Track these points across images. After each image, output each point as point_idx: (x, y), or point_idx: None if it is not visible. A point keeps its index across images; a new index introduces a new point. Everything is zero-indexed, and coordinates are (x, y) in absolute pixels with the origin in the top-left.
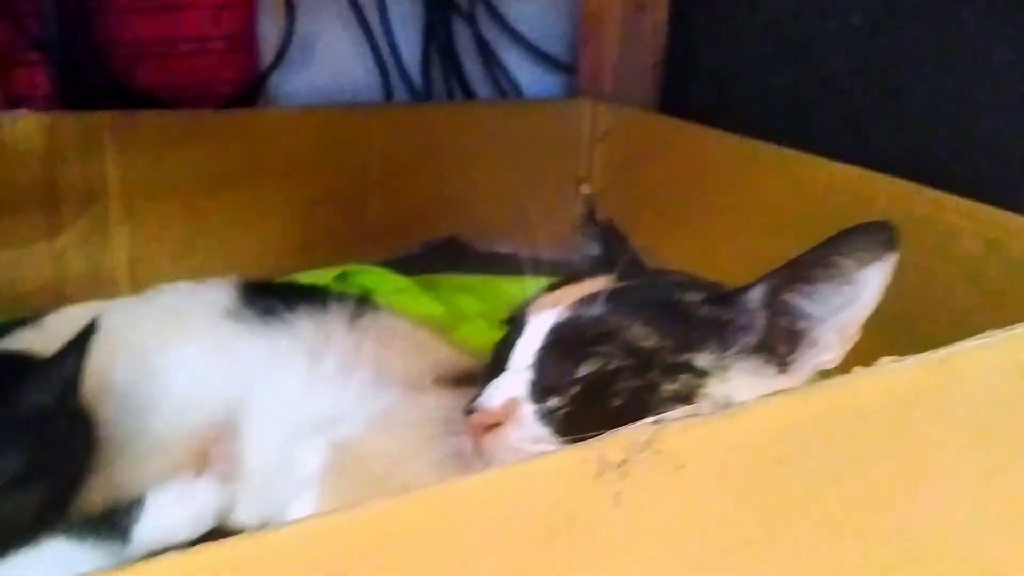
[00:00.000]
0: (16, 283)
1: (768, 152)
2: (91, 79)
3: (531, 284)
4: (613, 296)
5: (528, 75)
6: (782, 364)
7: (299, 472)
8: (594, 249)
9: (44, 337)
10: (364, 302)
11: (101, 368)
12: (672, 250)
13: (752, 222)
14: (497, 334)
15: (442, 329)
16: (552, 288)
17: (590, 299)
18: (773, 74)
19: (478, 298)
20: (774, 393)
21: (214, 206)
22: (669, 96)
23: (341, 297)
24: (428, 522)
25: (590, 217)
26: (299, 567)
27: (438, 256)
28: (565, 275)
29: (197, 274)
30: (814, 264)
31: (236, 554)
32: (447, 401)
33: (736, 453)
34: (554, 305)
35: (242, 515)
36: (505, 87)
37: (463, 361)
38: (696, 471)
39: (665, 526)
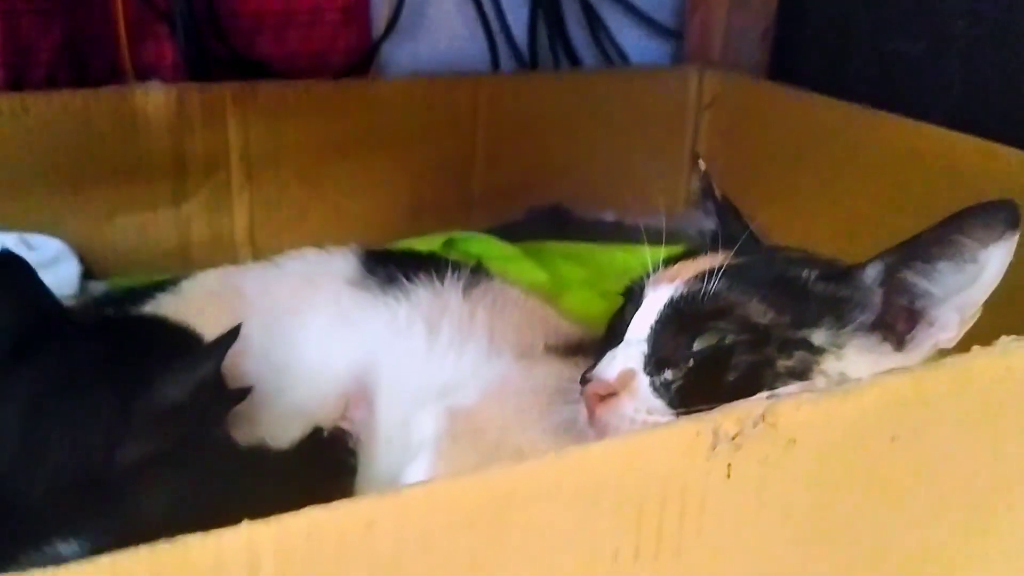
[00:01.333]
0: (144, 247)
1: (885, 122)
2: (213, 50)
3: (636, 253)
4: (730, 272)
5: (635, 42)
6: (899, 342)
7: (414, 436)
8: (710, 223)
9: (182, 303)
10: (477, 272)
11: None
12: (780, 222)
13: (866, 195)
14: (601, 303)
15: (549, 298)
16: (669, 263)
17: (707, 275)
18: (891, 38)
19: (582, 266)
20: (890, 371)
21: (328, 174)
22: (778, 62)
23: (456, 267)
24: (545, 488)
25: (708, 191)
26: (425, 528)
27: (542, 223)
28: (682, 250)
29: (312, 239)
30: (934, 243)
31: (369, 512)
32: (559, 370)
33: (849, 430)
34: (671, 280)
35: (370, 477)
36: (611, 54)
37: (573, 331)
38: (808, 446)
39: (774, 499)
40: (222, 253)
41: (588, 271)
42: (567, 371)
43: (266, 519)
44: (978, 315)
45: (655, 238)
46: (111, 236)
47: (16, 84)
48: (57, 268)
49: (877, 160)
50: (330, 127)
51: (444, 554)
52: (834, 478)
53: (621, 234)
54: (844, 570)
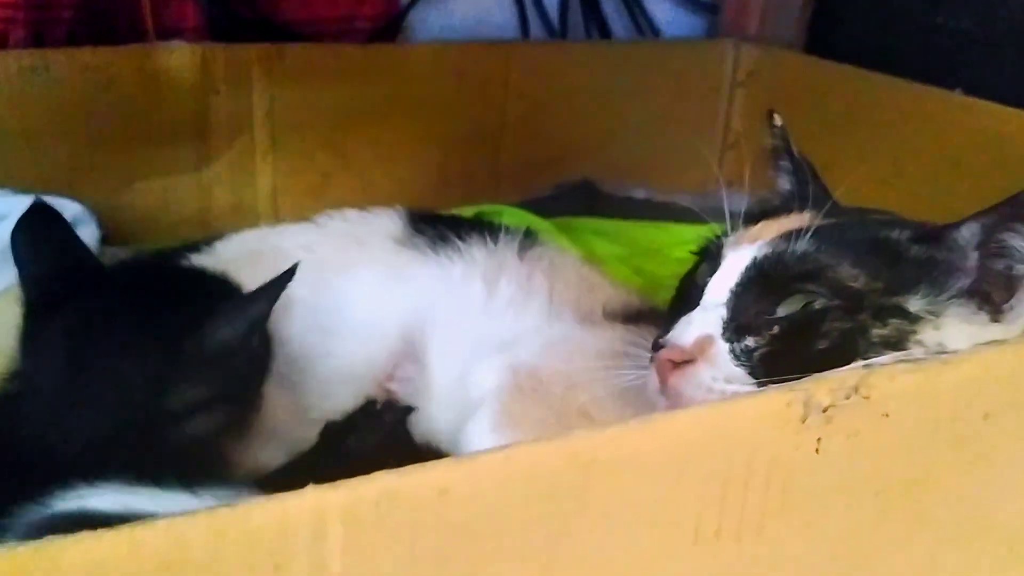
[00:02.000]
0: (164, 213)
1: (934, 96)
2: (237, 13)
3: (669, 230)
4: (818, 233)
5: (668, 14)
6: (996, 311)
7: (475, 390)
8: (786, 183)
9: (219, 262)
10: (530, 235)
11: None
12: None
13: (913, 175)
14: (637, 279)
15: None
16: (749, 222)
17: (794, 235)
18: (938, 12)
19: (614, 243)
20: (988, 344)
21: (354, 142)
22: (817, 37)
23: (508, 229)
24: (627, 457)
25: (785, 149)
26: (500, 496)
27: (571, 199)
28: (760, 209)
29: (337, 208)
30: None
31: (442, 478)
32: (622, 335)
33: (943, 404)
34: (753, 240)
35: (427, 432)
36: (643, 27)
37: (631, 298)
38: (901, 419)
39: (864, 476)
40: (244, 220)
41: (620, 248)
42: (630, 336)
43: (334, 484)
44: None
45: (685, 215)
46: (130, 200)
47: (37, 41)
48: (77, 232)
49: (924, 137)
50: (357, 93)
51: (519, 524)
52: (928, 455)
53: (651, 212)
54: (934, 551)
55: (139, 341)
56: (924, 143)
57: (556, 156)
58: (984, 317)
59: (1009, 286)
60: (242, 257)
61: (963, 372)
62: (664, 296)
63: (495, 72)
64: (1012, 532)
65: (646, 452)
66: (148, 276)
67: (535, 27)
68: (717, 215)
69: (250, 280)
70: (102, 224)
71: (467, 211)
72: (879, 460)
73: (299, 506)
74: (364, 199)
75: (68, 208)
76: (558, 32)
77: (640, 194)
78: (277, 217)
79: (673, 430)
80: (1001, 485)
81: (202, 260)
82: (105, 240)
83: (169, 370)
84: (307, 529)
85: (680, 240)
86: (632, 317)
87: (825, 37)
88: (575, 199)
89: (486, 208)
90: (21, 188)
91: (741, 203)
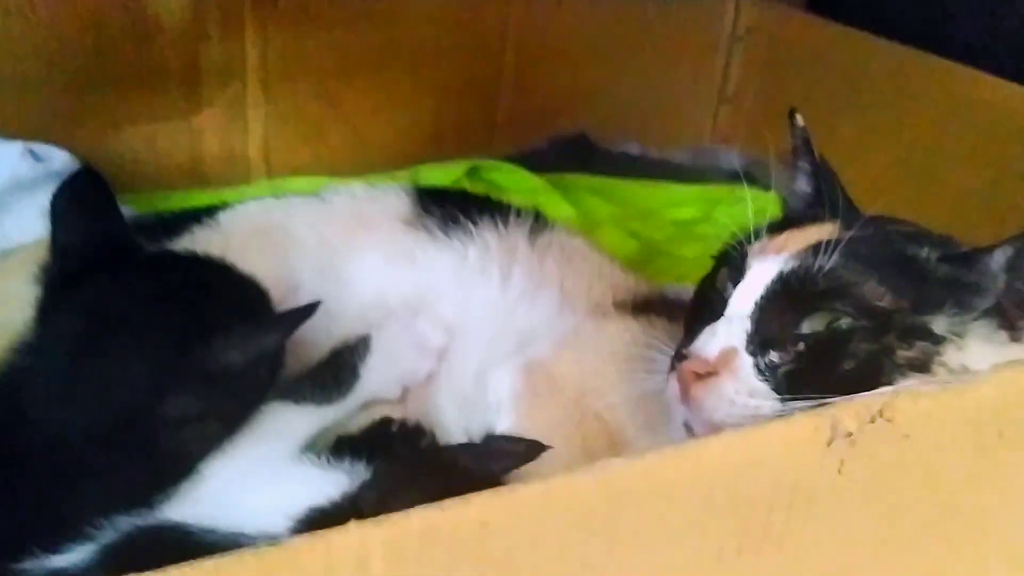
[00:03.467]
0: (154, 159)
1: (936, 66)
2: None
3: (662, 190)
4: (845, 247)
5: None
6: (1015, 330)
7: (492, 395)
8: (804, 185)
9: (224, 239)
10: (540, 219)
11: (289, 268)
12: None
13: (912, 143)
14: (632, 242)
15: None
16: (773, 230)
17: (820, 248)
18: None
19: (608, 202)
20: (1007, 364)
21: (348, 91)
22: None
23: (519, 212)
24: (660, 486)
25: (805, 150)
26: (538, 527)
27: (566, 153)
28: (783, 217)
29: (329, 160)
30: None
31: (483, 512)
32: (632, 329)
33: (961, 423)
34: (778, 251)
35: (436, 423)
36: None
37: (640, 286)
38: (922, 441)
39: (884, 494)
40: (235, 169)
41: (615, 207)
42: (639, 330)
43: (376, 520)
44: None
45: (679, 173)
46: (118, 147)
47: None
48: None
49: (925, 106)
50: (352, 41)
51: (555, 553)
52: (943, 473)
53: (646, 168)
54: (948, 566)
55: (151, 339)
56: (919, 109)
57: (552, 108)
58: (1004, 336)
59: None
60: (246, 233)
61: (982, 393)
62: (659, 263)
63: (495, 22)
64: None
65: (677, 480)
66: (176, 266)
67: None
68: (710, 171)
69: (257, 261)
70: None
71: (462, 165)
72: (898, 478)
73: (343, 542)
74: (357, 149)
75: (57, 157)
76: None
77: (634, 149)
78: (269, 167)
79: (704, 458)
80: (1014, 500)
81: (207, 235)
82: None
83: (173, 377)
84: (351, 565)
85: (674, 200)
86: (640, 306)
87: None
88: (570, 153)
89: (482, 163)
90: (7, 134)
91: (734, 160)
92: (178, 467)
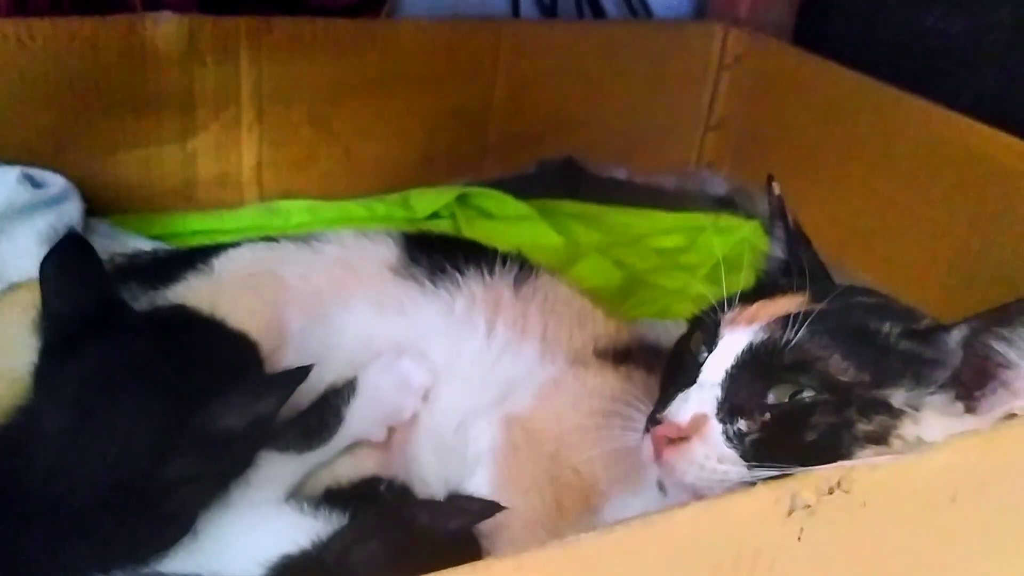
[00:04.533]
0: (149, 183)
1: (914, 104)
2: None
3: (649, 218)
4: (812, 321)
5: None
6: (970, 402)
7: (472, 446)
8: (779, 251)
9: (217, 288)
10: (526, 266)
11: (279, 317)
12: (796, 193)
13: (889, 178)
14: (616, 272)
15: (566, 264)
16: (746, 300)
17: (788, 321)
18: (926, 15)
19: (595, 230)
20: (960, 434)
21: (340, 116)
22: (805, 26)
23: (504, 259)
24: (629, 554)
25: (780, 215)
26: None
27: (554, 179)
28: (755, 286)
29: (321, 183)
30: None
31: None
32: (612, 381)
33: (916, 490)
34: (749, 323)
35: (416, 475)
36: (635, 6)
37: (621, 333)
38: (878, 508)
39: (843, 559)
40: (228, 193)
41: (600, 235)
42: (619, 384)
43: None
44: None
45: (665, 199)
46: (114, 171)
47: (20, 8)
48: (62, 207)
49: (903, 143)
50: (345, 67)
51: None
52: (898, 537)
53: (632, 195)
54: None
55: (149, 405)
56: (898, 146)
57: (541, 133)
58: (959, 408)
59: (985, 382)
60: (238, 281)
61: (935, 461)
62: (642, 295)
63: (487, 49)
64: None
65: (645, 551)
66: (169, 329)
67: (526, 4)
68: (696, 196)
69: (248, 310)
70: (85, 195)
71: (452, 191)
72: (856, 543)
73: None
74: (349, 174)
75: (53, 182)
76: (549, 8)
77: (621, 174)
78: (262, 190)
79: (670, 529)
80: (967, 560)
81: (200, 283)
82: (89, 212)
83: (171, 442)
84: None
85: (659, 228)
86: (621, 356)
87: (815, 26)
88: (558, 179)
89: (471, 190)
90: (4, 159)
91: (720, 186)
92: (176, 525)
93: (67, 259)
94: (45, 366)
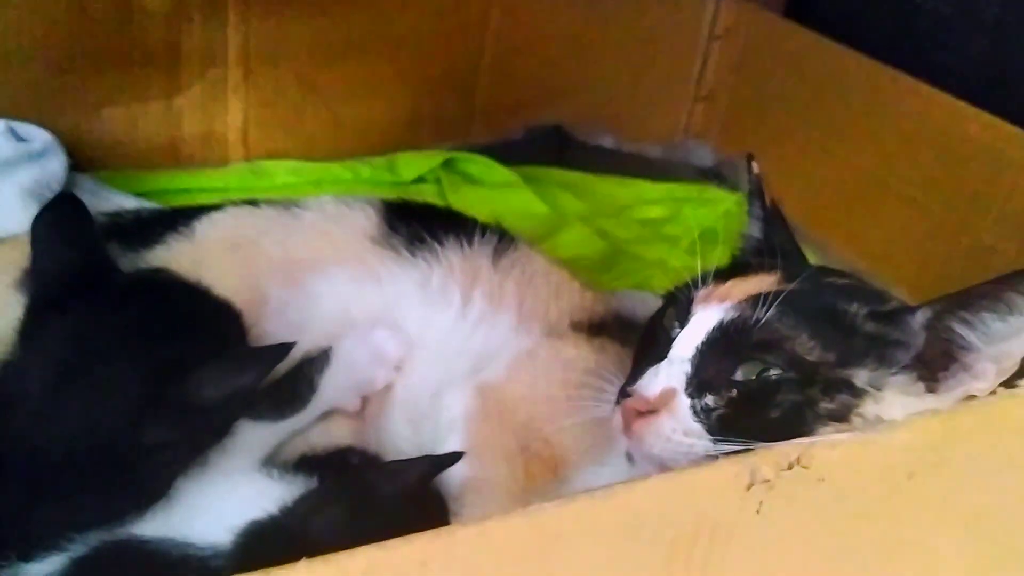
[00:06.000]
0: (133, 140)
1: (901, 83)
2: None
3: (633, 187)
4: (782, 300)
5: None
6: (932, 383)
7: (445, 413)
8: (755, 231)
9: (197, 251)
10: (505, 237)
11: (258, 282)
12: (782, 167)
13: (874, 155)
14: (599, 242)
15: (549, 233)
16: (719, 278)
17: (758, 300)
18: None
19: (579, 198)
20: (920, 413)
21: (327, 78)
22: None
23: (484, 230)
24: (590, 526)
25: (758, 195)
26: (475, 565)
27: (541, 145)
28: (729, 264)
29: (306, 145)
30: (985, 296)
31: (423, 551)
32: (586, 354)
33: (873, 467)
34: (722, 300)
35: (389, 441)
36: None
37: (597, 306)
38: (836, 484)
39: (801, 533)
40: (213, 151)
41: (585, 204)
42: (592, 357)
43: (324, 557)
44: (1015, 368)
45: (651, 168)
46: (99, 127)
47: None
48: (46, 162)
49: (889, 122)
50: (333, 28)
51: None
52: (855, 513)
53: (619, 164)
54: None
55: (130, 369)
56: (883, 123)
57: (529, 99)
58: (921, 388)
59: (947, 363)
60: (219, 246)
61: (893, 439)
62: (624, 266)
63: (475, 12)
64: None
65: (606, 521)
66: (156, 294)
67: None
68: (682, 167)
69: (227, 275)
70: (69, 150)
71: (438, 156)
72: (813, 518)
73: None
74: (335, 134)
75: (38, 137)
76: None
77: (608, 142)
78: (247, 150)
79: (631, 501)
80: (924, 537)
81: (181, 246)
82: (73, 167)
83: (150, 408)
84: None
85: (644, 199)
86: (596, 328)
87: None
88: (545, 145)
89: (458, 155)
90: None
91: (706, 157)
92: (150, 489)
93: (59, 218)
94: (30, 323)
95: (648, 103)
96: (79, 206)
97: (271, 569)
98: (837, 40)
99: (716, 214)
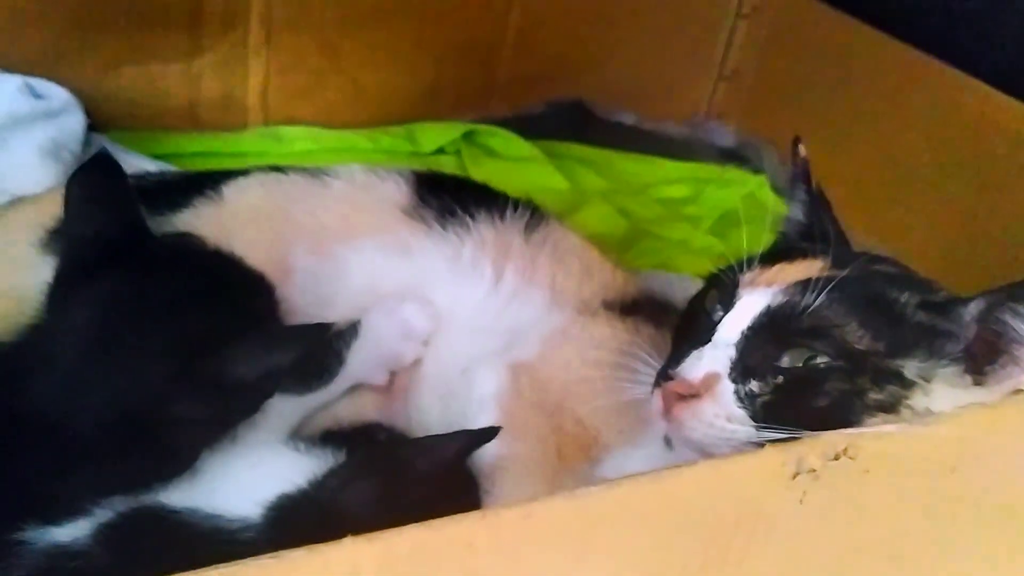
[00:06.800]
0: (153, 100)
1: (930, 67)
2: None
3: (654, 165)
4: (831, 287)
5: None
6: (979, 376)
7: (476, 391)
8: (799, 214)
9: (225, 217)
10: (536, 212)
11: (286, 251)
12: (809, 151)
13: (903, 141)
14: (620, 220)
15: (572, 208)
16: (765, 261)
17: (807, 286)
18: None
19: (599, 175)
20: (967, 406)
21: (349, 44)
22: None
23: (516, 205)
24: (633, 511)
25: (803, 178)
26: (518, 546)
27: (562, 120)
28: (774, 247)
29: (326, 111)
30: None
31: (469, 532)
32: (619, 334)
33: (918, 460)
34: (768, 284)
35: (416, 417)
36: None
37: (628, 285)
38: (881, 476)
39: (841, 525)
40: (232, 115)
41: (606, 181)
42: (626, 337)
43: (370, 536)
44: None
45: (672, 147)
46: (117, 86)
47: None
48: (64, 120)
49: (917, 104)
50: None
51: (534, 571)
52: (897, 504)
53: (640, 141)
54: None
55: (164, 340)
56: (911, 107)
57: (552, 73)
58: (968, 380)
59: (996, 356)
60: (247, 216)
61: (937, 432)
62: (645, 245)
63: None
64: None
65: (650, 506)
66: (190, 263)
67: None
68: (704, 147)
69: (255, 242)
70: (86, 108)
71: (459, 128)
72: (857, 509)
73: (337, 556)
74: (354, 104)
75: (56, 95)
76: None
77: (630, 119)
78: (267, 115)
79: (674, 487)
80: (966, 531)
81: (209, 211)
82: (90, 126)
83: (182, 382)
84: None
85: (665, 178)
86: (629, 308)
87: None
88: (566, 120)
89: (479, 128)
90: (5, 68)
91: (728, 138)
92: (176, 461)
93: (94, 180)
94: (61, 287)
95: (671, 81)
96: (115, 167)
97: (316, 545)
98: (867, 22)
99: (738, 196)
